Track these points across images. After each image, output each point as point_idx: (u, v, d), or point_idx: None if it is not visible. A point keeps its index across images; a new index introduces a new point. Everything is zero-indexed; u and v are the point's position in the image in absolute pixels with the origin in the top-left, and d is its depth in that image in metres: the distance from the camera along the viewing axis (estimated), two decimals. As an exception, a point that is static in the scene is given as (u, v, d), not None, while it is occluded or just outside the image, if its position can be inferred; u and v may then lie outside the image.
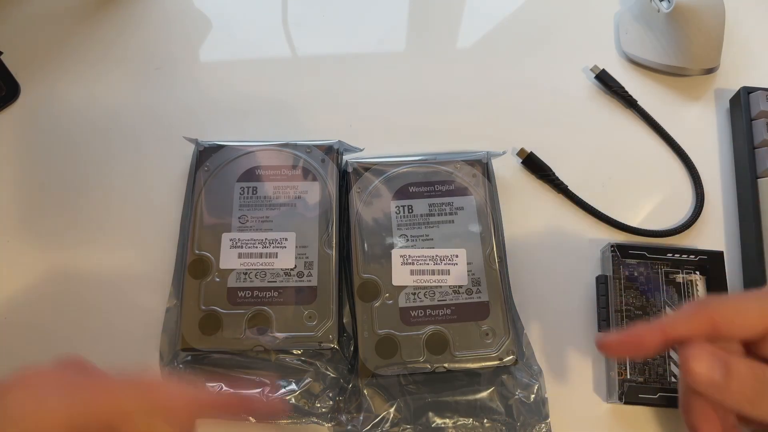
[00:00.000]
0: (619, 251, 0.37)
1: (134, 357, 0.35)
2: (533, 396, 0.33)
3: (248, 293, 0.34)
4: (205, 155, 0.38)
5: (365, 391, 0.33)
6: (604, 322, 0.35)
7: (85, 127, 0.42)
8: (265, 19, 0.47)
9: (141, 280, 0.37)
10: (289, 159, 0.38)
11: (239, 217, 0.36)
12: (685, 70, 0.44)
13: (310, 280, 0.35)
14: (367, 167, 0.38)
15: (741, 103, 0.41)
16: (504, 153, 0.39)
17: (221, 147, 0.38)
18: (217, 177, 0.37)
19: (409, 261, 0.35)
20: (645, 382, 0.33)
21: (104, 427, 0.23)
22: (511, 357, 0.33)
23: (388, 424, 0.33)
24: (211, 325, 0.33)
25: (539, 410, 0.33)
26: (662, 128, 0.43)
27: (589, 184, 0.41)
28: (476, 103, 0.44)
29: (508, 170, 0.41)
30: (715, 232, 0.40)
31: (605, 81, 0.43)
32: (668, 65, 0.44)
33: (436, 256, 0.36)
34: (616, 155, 0.42)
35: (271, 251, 0.35)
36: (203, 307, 0.34)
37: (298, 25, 0.47)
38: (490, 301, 0.34)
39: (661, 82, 0.45)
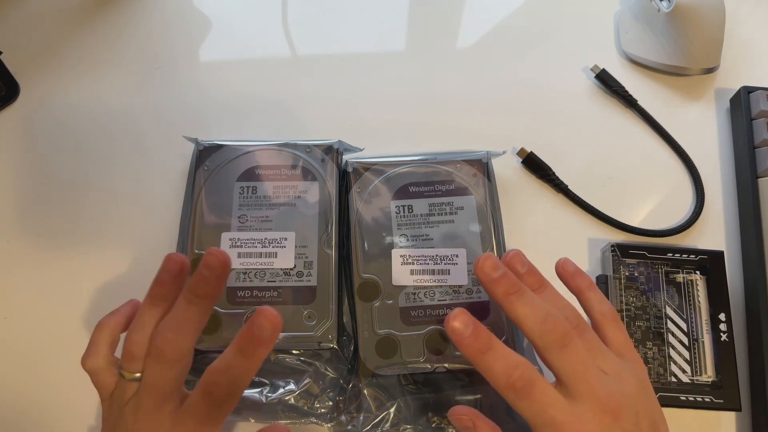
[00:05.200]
0: (620, 251, 0.37)
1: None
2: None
3: (248, 293, 0.34)
4: (205, 155, 0.38)
5: (365, 391, 0.33)
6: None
7: (84, 127, 0.42)
8: (265, 19, 0.47)
9: (140, 279, 0.37)
10: (288, 159, 0.38)
11: (239, 217, 0.36)
12: (686, 70, 0.43)
13: (309, 280, 0.35)
14: (367, 167, 0.38)
15: (741, 103, 0.41)
16: (504, 153, 0.39)
17: (221, 146, 0.38)
18: (216, 176, 0.37)
19: (409, 261, 0.35)
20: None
21: None
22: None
23: (388, 424, 0.33)
24: (210, 324, 0.33)
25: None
26: (662, 128, 0.43)
27: (589, 184, 0.41)
28: (476, 103, 0.44)
29: (508, 170, 0.41)
30: (716, 232, 0.40)
31: (605, 81, 0.43)
32: (668, 65, 0.44)
33: (436, 255, 0.35)
34: (616, 155, 0.42)
35: (270, 251, 0.35)
36: (203, 307, 0.34)
37: (298, 25, 0.47)
38: (490, 301, 0.34)
39: (661, 81, 0.45)
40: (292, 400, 0.33)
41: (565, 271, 0.31)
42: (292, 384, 0.33)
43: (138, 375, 0.27)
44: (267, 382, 0.33)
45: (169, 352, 0.26)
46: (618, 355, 0.29)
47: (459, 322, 0.26)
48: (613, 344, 0.29)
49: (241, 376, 0.25)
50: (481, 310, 0.34)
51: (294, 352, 0.34)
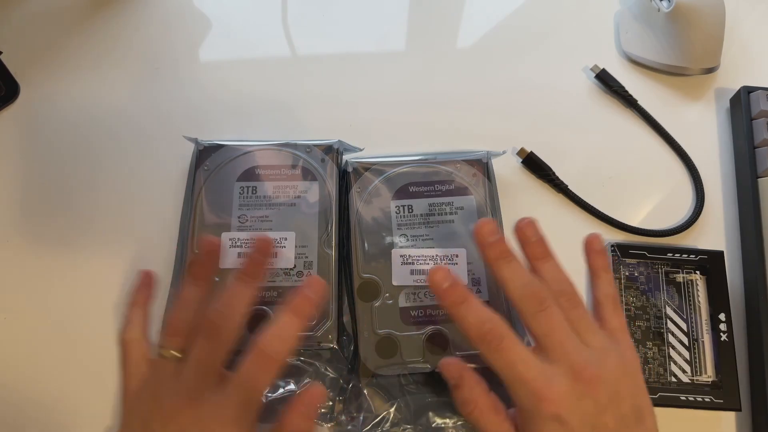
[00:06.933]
0: (620, 251, 0.37)
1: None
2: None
3: (248, 293, 0.34)
4: (205, 154, 0.38)
5: (365, 391, 0.33)
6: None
7: (84, 127, 0.42)
8: (265, 19, 0.47)
9: (140, 279, 0.37)
10: (288, 158, 0.38)
11: (239, 217, 0.36)
12: (686, 70, 0.43)
13: (309, 280, 0.35)
14: (367, 167, 0.38)
15: (741, 103, 0.41)
16: (504, 153, 0.39)
17: (221, 146, 0.38)
18: (216, 176, 0.37)
19: (409, 261, 0.35)
20: (645, 382, 0.33)
21: None
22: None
23: (388, 424, 0.33)
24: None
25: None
26: (662, 128, 0.43)
27: (589, 184, 0.41)
28: (476, 103, 0.44)
29: (508, 170, 0.41)
30: (716, 232, 0.40)
31: (605, 80, 0.43)
32: (668, 65, 0.44)
33: (436, 255, 0.35)
34: (616, 155, 0.42)
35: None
36: (203, 307, 0.34)
37: (298, 25, 0.47)
38: (490, 301, 0.34)
39: (661, 81, 0.45)
40: (292, 400, 0.33)
41: (591, 246, 0.32)
42: (292, 384, 0.33)
43: (178, 354, 0.28)
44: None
45: (222, 327, 0.27)
46: (611, 337, 0.29)
47: (439, 275, 0.28)
48: (608, 326, 0.30)
49: (292, 334, 0.27)
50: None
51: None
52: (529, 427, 0.27)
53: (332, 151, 0.38)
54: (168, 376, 0.27)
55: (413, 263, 0.35)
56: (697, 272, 0.36)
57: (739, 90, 0.42)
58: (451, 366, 0.30)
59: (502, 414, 0.29)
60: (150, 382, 0.28)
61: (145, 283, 0.34)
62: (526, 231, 0.31)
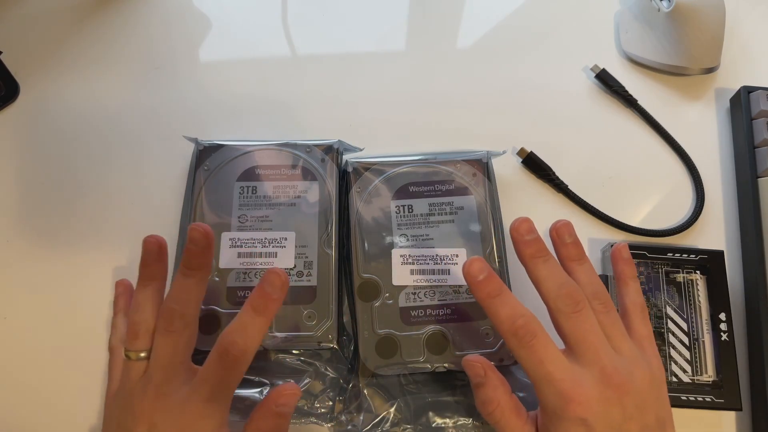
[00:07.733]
0: (620, 251, 0.37)
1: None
2: (533, 396, 0.33)
3: (247, 293, 0.34)
4: (205, 154, 0.38)
5: (365, 391, 0.33)
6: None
7: (84, 127, 0.42)
8: (265, 19, 0.47)
9: (140, 279, 0.37)
10: (288, 158, 0.38)
11: (239, 217, 0.36)
12: (686, 70, 0.43)
13: (309, 280, 0.35)
14: (367, 167, 0.38)
15: (741, 103, 0.41)
16: (504, 153, 0.39)
17: (221, 146, 0.38)
18: (216, 176, 0.37)
19: (409, 261, 0.35)
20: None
21: None
22: (512, 357, 0.33)
23: (388, 424, 0.33)
24: (210, 325, 0.33)
25: (539, 410, 0.33)
26: (662, 128, 0.43)
27: (589, 184, 0.41)
28: (476, 103, 0.44)
29: (508, 170, 0.41)
30: (716, 232, 0.40)
31: (605, 80, 0.43)
32: (668, 64, 0.44)
33: (437, 255, 0.35)
34: (616, 155, 0.42)
35: (270, 251, 0.35)
36: (202, 307, 0.34)
37: (298, 25, 0.47)
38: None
39: (661, 81, 0.45)
40: (292, 400, 0.33)
41: (619, 254, 0.32)
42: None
43: (143, 354, 0.28)
44: (267, 382, 0.33)
45: (175, 321, 0.27)
46: (638, 346, 0.29)
47: (475, 267, 0.27)
48: (635, 335, 0.30)
49: (255, 333, 0.26)
50: (481, 310, 0.34)
51: (294, 352, 0.34)
52: (552, 428, 0.26)
53: (332, 151, 0.38)
54: (138, 376, 0.28)
55: (413, 263, 0.35)
56: (698, 272, 0.36)
57: (739, 90, 0.42)
58: (476, 364, 0.29)
59: (524, 416, 0.28)
60: (124, 383, 0.28)
61: (123, 290, 0.35)
62: (562, 232, 0.30)
